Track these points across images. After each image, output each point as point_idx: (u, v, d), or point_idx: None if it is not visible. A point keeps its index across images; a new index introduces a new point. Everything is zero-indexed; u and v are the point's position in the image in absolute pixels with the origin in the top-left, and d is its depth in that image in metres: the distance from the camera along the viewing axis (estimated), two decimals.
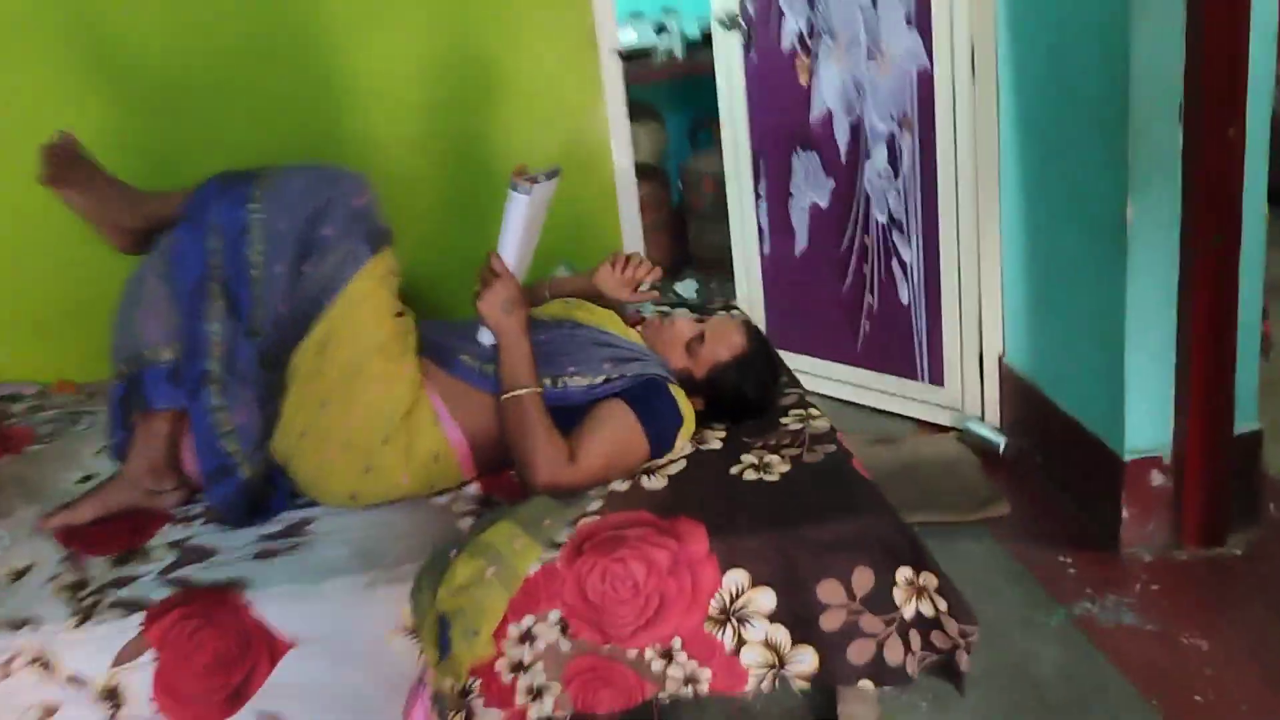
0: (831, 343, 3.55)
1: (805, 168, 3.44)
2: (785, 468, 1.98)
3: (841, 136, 3.31)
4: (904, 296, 3.28)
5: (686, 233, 5.06)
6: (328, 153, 2.85)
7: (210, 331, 1.92)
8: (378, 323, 1.94)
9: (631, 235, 3.06)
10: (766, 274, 3.70)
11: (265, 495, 1.99)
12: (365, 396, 1.92)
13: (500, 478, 2.06)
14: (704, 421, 2.16)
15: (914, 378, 3.36)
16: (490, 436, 2.00)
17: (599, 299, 2.31)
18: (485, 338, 2.00)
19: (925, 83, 3.03)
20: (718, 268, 4.90)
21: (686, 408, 2.07)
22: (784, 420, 2.18)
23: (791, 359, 3.56)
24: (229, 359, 1.92)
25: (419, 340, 2.06)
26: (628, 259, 2.28)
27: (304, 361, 1.93)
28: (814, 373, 3.62)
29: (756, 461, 2.01)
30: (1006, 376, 3.15)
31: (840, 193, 3.37)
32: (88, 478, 2.22)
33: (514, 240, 1.95)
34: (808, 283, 3.56)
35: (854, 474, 1.95)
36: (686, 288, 4.90)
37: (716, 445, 2.10)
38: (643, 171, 4.82)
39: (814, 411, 2.21)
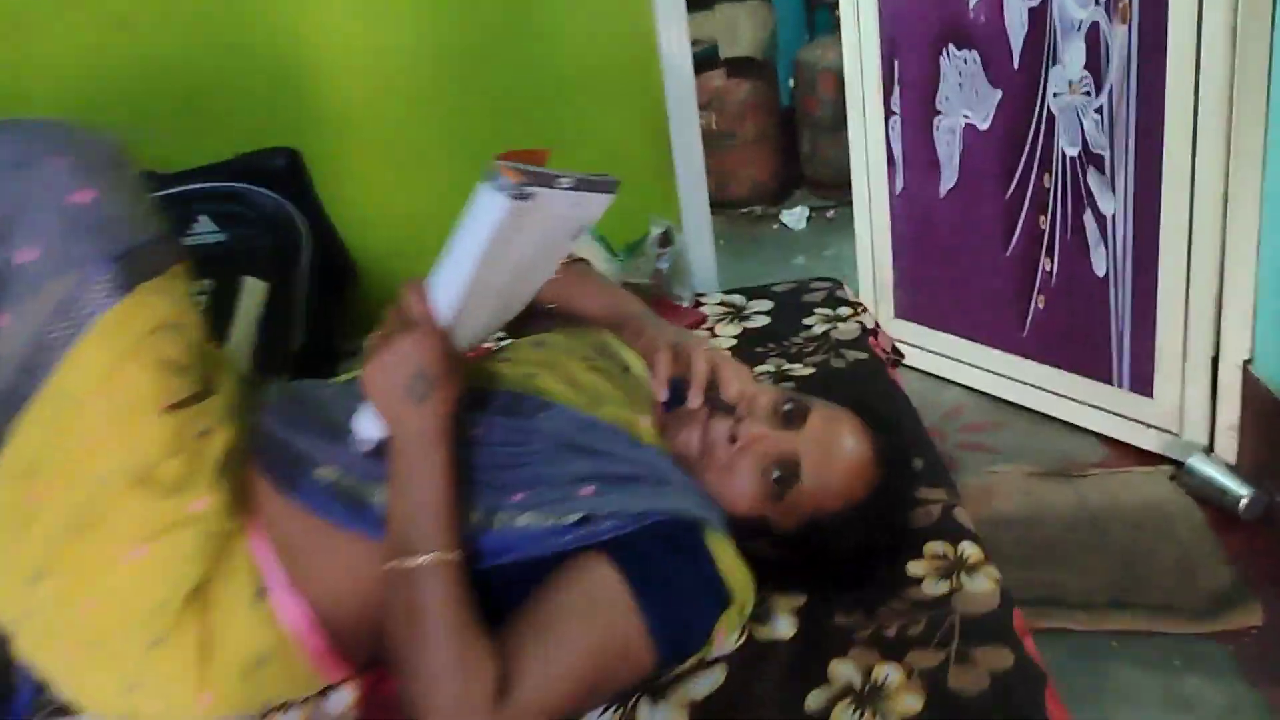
0: (987, 321, 2.60)
1: (959, 73, 2.46)
2: (914, 699, 1.02)
3: (1015, 29, 2.31)
4: (1099, 265, 2.30)
5: (798, 144, 4.03)
6: (233, 83, 1.90)
7: None
8: (130, 427, 1.04)
9: (689, 177, 2.06)
10: (898, 220, 2.73)
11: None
12: (108, 575, 1.03)
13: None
14: (770, 576, 1.21)
15: (1107, 381, 2.39)
16: (369, 609, 1.10)
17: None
18: (366, 429, 1.08)
19: None
20: (838, 190, 3.91)
21: (736, 573, 1.13)
22: (915, 572, 1.22)
23: (928, 338, 2.70)
24: None
25: (236, 443, 1.14)
26: (713, 372, 1.21)
27: None
28: (960, 358, 2.68)
29: (857, 678, 1.06)
30: (1254, 393, 2.12)
31: (1011, 110, 2.38)
32: None
33: (466, 269, 1.01)
34: (957, 236, 2.59)
35: None
36: (795, 217, 3.90)
37: (785, 630, 1.16)
38: (741, 66, 3.85)
39: (970, 552, 1.24)
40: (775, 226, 3.91)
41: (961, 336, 2.65)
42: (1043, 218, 2.37)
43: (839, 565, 1.19)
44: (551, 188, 1.02)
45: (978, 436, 2.48)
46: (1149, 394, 2.29)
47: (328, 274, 1.92)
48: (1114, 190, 2.21)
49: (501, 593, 1.08)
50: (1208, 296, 2.12)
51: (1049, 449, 2.41)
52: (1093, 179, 2.24)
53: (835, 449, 1.18)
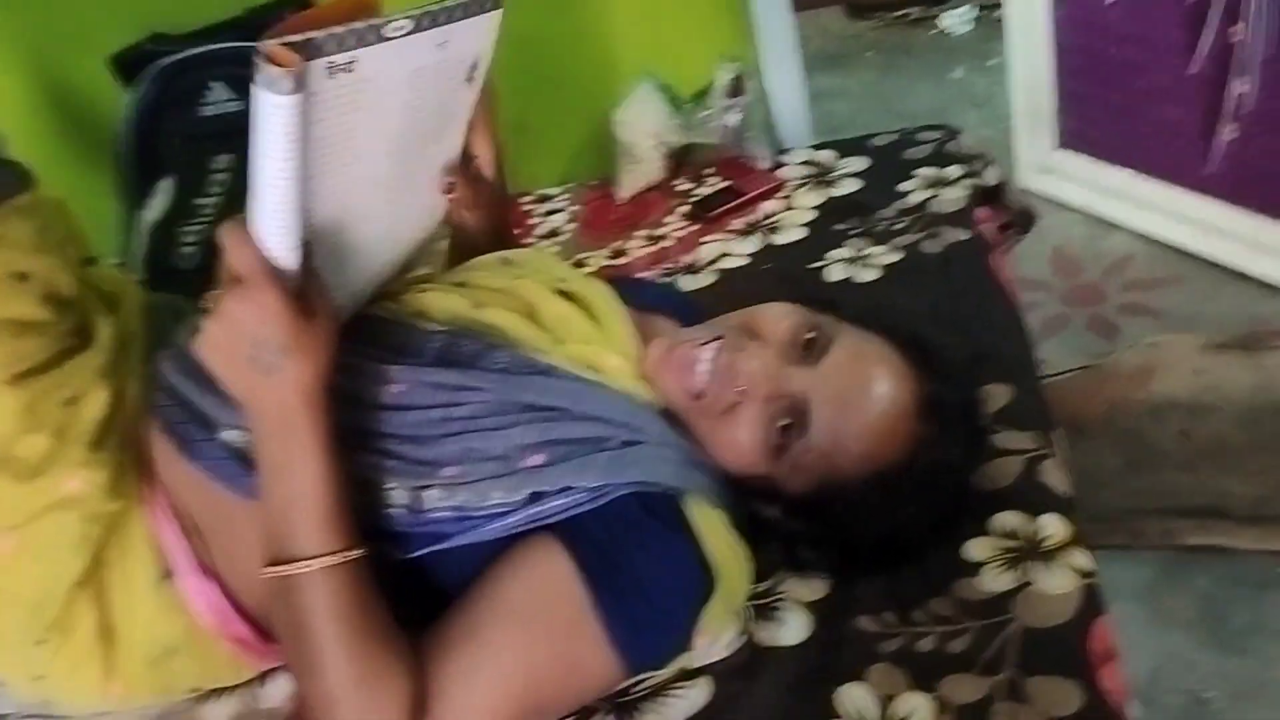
0: (1165, 154, 2.18)
1: None
2: None
3: None
4: None
5: None
6: None
7: None
8: None
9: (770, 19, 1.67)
10: (1061, 32, 2.28)
11: None
12: None
13: None
14: (787, 553, 0.97)
15: None
16: None
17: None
18: None
19: None
20: None
21: (725, 552, 0.90)
22: (974, 555, 0.96)
23: (1095, 172, 2.33)
24: None
25: (128, 402, 0.96)
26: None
27: None
28: (1132, 197, 2.27)
29: (874, 709, 0.84)
30: None
31: None
32: None
33: (283, 193, 0.77)
34: (1129, 51, 2.15)
35: None
36: (958, 18, 3.41)
37: (794, 634, 0.93)
38: None
39: (1052, 531, 0.96)
40: (934, 31, 3.43)
41: (1134, 170, 2.25)
42: (1235, 28, 1.91)
43: (860, 545, 0.94)
44: (374, 43, 0.75)
45: (1146, 296, 2.10)
46: None
47: None
48: None
49: (433, 585, 0.90)
50: None
51: (1232, 312, 2.02)
52: None
53: (855, 392, 0.90)
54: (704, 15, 1.64)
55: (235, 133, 1.66)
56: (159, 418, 0.96)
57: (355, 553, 0.83)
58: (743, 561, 0.91)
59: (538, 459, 0.89)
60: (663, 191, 1.63)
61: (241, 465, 0.92)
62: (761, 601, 0.95)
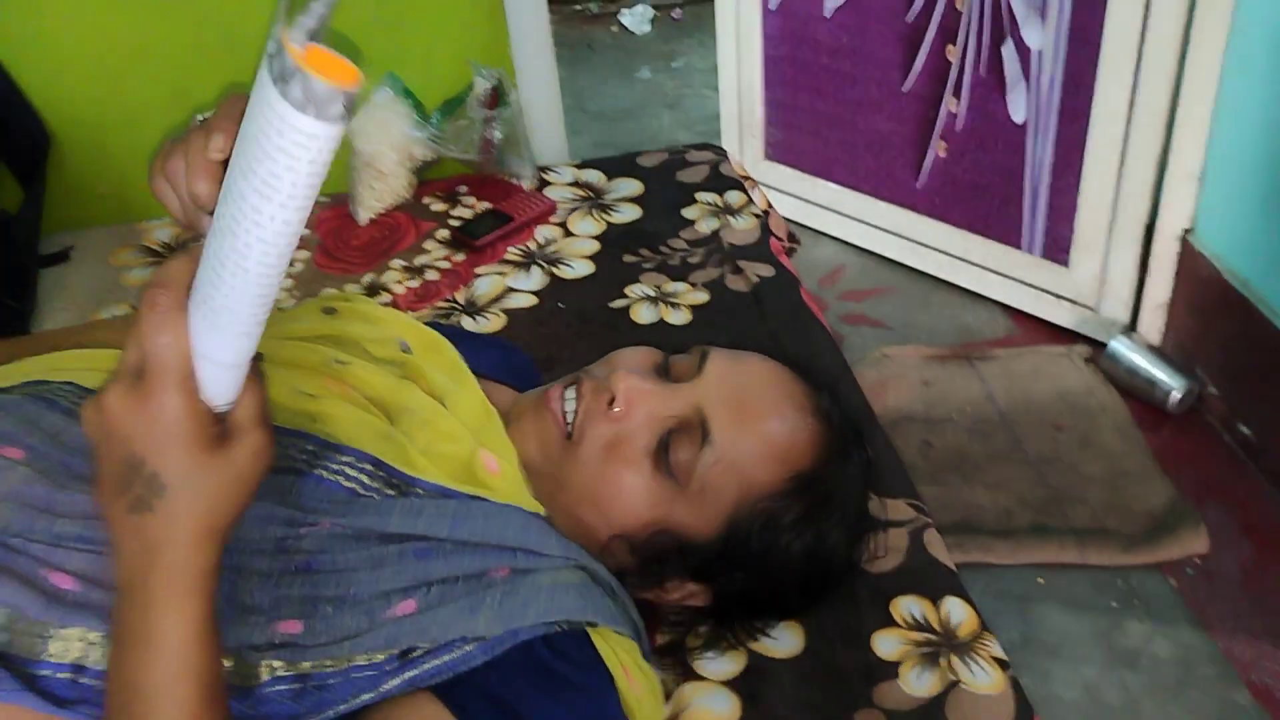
0: (876, 169, 2.20)
1: None
2: None
3: None
4: (1017, 108, 1.93)
5: None
6: None
7: None
8: None
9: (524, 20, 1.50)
10: (772, 42, 2.25)
11: None
12: None
13: None
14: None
15: (1016, 245, 2.06)
16: None
17: None
18: None
19: None
20: None
21: (641, 686, 0.75)
22: (885, 652, 0.85)
23: (803, 185, 2.32)
24: None
25: None
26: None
27: None
28: (841, 211, 2.28)
29: None
30: (1193, 270, 1.83)
31: None
32: None
33: (267, 269, 0.51)
34: (844, 65, 2.14)
35: None
36: (637, 17, 3.37)
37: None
38: None
39: (961, 619, 0.87)
40: (614, 29, 3.36)
41: (844, 185, 2.25)
42: (951, 48, 1.96)
43: (785, 580, 0.81)
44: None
45: (861, 306, 2.13)
46: (1064, 262, 1.97)
47: (11, 146, 1.34)
48: (1043, 17, 1.82)
49: None
50: (1149, 152, 1.78)
51: (943, 323, 2.08)
52: (1018, 2, 1.83)
53: (752, 391, 0.80)
54: (456, 12, 1.43)
55: None
56: None
57: None
58: (658, 695, 0.77)
59: (407, 605, 0.68)
60: (411, 213, 1.41)
61: None
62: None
